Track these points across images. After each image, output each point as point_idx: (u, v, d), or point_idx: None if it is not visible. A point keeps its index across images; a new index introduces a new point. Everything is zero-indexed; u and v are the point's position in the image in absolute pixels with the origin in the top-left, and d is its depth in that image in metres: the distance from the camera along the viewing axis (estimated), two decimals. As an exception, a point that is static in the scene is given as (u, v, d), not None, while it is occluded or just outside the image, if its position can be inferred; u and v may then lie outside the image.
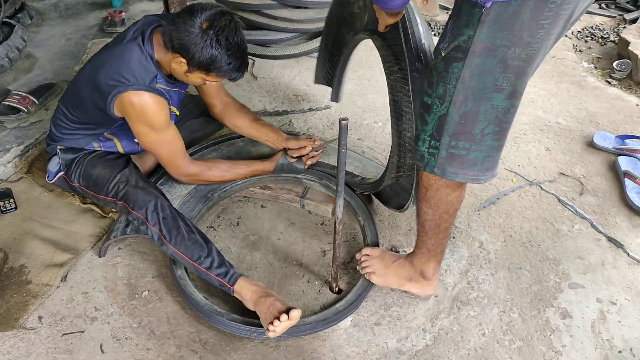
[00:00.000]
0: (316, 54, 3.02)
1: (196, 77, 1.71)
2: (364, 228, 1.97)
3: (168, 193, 1.96)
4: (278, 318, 1.56)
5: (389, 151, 1.83)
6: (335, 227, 1.65)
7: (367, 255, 1.83)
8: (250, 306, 1.68)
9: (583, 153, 2.41)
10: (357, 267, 1.82)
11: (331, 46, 2.38)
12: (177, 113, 1.91)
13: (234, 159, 2.14)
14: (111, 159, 1.90)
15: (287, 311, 1.58)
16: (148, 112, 1.70)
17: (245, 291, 1.68)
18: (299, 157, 2.07)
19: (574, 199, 2.19)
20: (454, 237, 2.02)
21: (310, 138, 2.09)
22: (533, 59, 1.23)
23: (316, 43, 2.99)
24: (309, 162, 2.08)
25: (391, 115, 1.77)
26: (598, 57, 3.16)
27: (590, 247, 1.99)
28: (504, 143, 1.39)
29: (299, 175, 2.13)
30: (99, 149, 1.92)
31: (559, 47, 3.20)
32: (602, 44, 3.27)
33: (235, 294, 1.70)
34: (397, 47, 1.67)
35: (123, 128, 1.85)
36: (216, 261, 1.71)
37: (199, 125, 2.30)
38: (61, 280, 1.81)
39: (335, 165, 2.14)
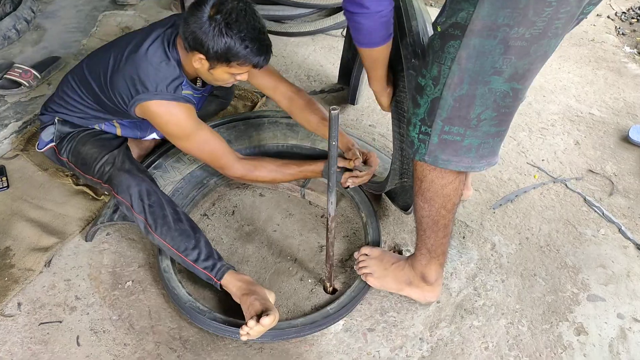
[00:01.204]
0: (334, 32, 2.87)
1: (221, 73, 1.58)
2: (366, 224, 1.83)
3: (161, 178, 1.86)
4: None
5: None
6: (327, 224, 1.52)
7: (366, 254, 1.69)
8: (237, 300, 1.58)
9: (616, 148, 2.19)
10: (354, 266, 1.69)
11: (354, 45, 2.21)
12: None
13: (234, 143, 2.02)
14: (104, 139, 1.81)
15: (263, 313, 1.47)
16: (174, 121, 1.63)
17: (230, 286, 1.58)
18: (342, 169, 1.78)
19: (602, 199, 1.99)
20: (463, 237, 1.86)
21: (356, 157, 1.75)
22: (538, 39, 1.09)
23: (334, 20, 2.82)
24: (349, 182, 1.76)
25: (392, 118, 1.62)
26: (643, 42, 2.89)
27: (615, 255, 1.80)
28: (503, 130, 1.27)
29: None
30: (97, 129, 1.84)
31: (599, 30, 2.94)
32: (649, 26, 2.99)
33: (223, 288, 1.60)
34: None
35: (134, 121, 1.81)
36: (203, 253, 1.61)
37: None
38: (45, 266, 1.74)
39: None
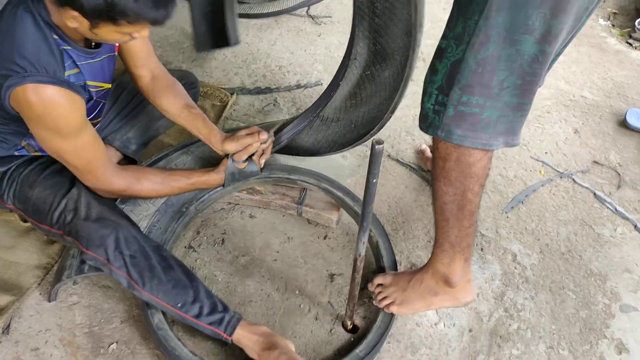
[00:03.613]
0: (299, 10, 2.57)
1: (108, 33, 1.19)
2: (378, 246, 1.62)
3: (131, 213, 1.55)
4: None
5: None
6: (355, 264, 1.31)
7: (380, 284, 1.50)
8: (253, 356, 1.35)
9: (616, 135, 2.10)
10: (374, 302, 1.50)
11: None
12: (108, 86, 1.46)
13: (204, 163, 1.73)
14: (54, 174, 1.44)
15: None
16: (53, 114, 1.22)
17: (245, 341, 1.35)
18: (249, 158, 1.62)
19: (612, 193, 1.90)
20: (481, 249, 1.70)
21: (252, 132, 1.58)
22: None
23: (299, -2, 2.53)
24: (262, 161, 1.64)
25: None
26: (614, 13, 2.81)
27: (637, 256, 1.71)
28: (525, 104, 1.13)
29: (292, 176, 1.75)
30: (33, 150, 1.47)
31: (572, 1, 2.83)
32: (618, -4, 2.92)
33: (234, 343, 1.36)
34: None
35: None
36: (206, 306, 1.35)
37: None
38: (3, 333, 1.42)
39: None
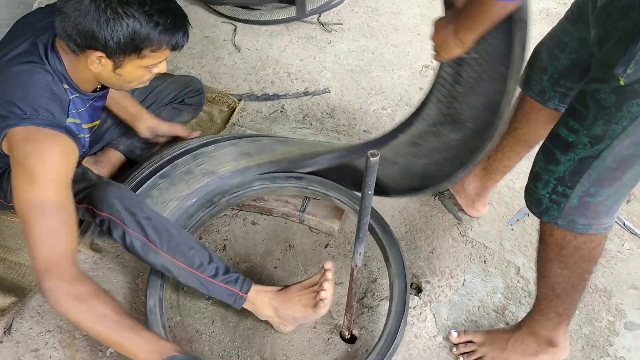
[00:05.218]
0: (310, 17, 2.57)
1: (133, 70, 1.23)
2: (388, 256, 1.58)
3: (166, 190, 1.58)
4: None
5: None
6: (352, 274, 1.31)
7: (472, 342, 1.46)
8: (267, 313, 1.42)
9: (627, 148, 2.06)
10: (461, 358, 1.45)
11: None
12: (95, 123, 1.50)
13: (253, 156, 1.72)
14: None
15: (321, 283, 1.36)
16: (40, 155, 1.15)
17: (261, 297, 1.40)
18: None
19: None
20: (484, 261, 1.69)
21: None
22: None
23: (311, 4, 2.53)
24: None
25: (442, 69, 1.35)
26: None
27: (644, 272, 1.68)
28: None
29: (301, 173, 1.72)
30: None
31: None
32: None
33: (246, 304, 1.39)
34: None
35: None
36: (221, 267, 1.37)
37: (168, 114, 1.88)
38: (4, 333, 1.44)
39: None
